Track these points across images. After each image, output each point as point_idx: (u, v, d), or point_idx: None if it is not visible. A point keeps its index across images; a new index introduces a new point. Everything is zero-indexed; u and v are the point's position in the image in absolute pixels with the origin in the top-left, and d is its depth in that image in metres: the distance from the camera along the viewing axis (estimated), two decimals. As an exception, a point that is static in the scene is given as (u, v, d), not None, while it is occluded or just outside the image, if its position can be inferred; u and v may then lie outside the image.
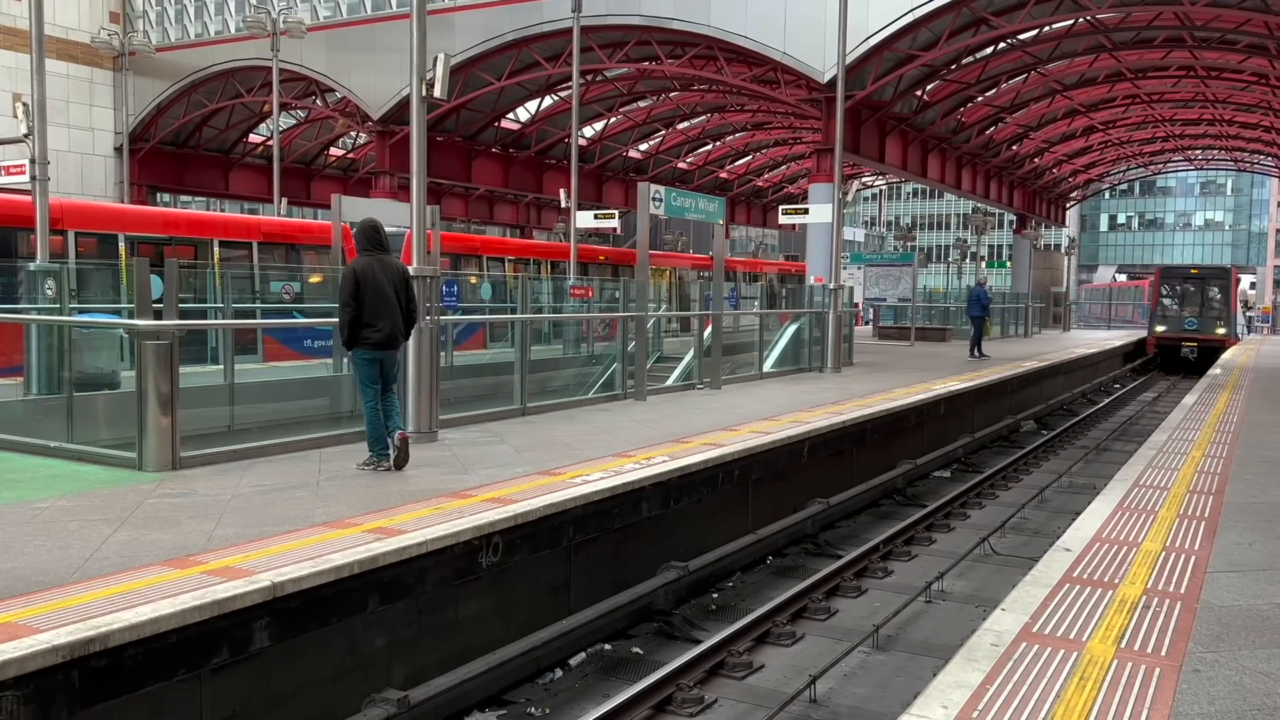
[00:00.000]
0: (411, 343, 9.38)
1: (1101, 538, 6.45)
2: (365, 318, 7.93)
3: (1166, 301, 34.01)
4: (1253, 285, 75.24)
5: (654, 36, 28.59)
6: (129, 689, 4.43)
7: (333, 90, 34.33)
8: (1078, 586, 5.40)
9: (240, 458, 8.37)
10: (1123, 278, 79.31)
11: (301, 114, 40.36)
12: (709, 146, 47.35)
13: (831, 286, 19.18)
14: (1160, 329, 33.82)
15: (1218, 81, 34.45)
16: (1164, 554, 6.08)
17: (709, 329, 15.47)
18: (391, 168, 33.08)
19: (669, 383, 15.43)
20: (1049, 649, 4.46)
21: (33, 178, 13.25)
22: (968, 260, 67.53)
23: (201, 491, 7.09)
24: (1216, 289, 33.66)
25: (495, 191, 43.47)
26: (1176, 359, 33.65)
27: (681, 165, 47.50)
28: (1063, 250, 58.97)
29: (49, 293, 12.17)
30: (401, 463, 8.01)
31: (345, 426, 9.67)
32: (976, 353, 23.59)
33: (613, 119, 40.91)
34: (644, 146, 45.35)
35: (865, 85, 26.54)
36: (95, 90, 37.63)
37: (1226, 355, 27.99)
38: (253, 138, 41.94)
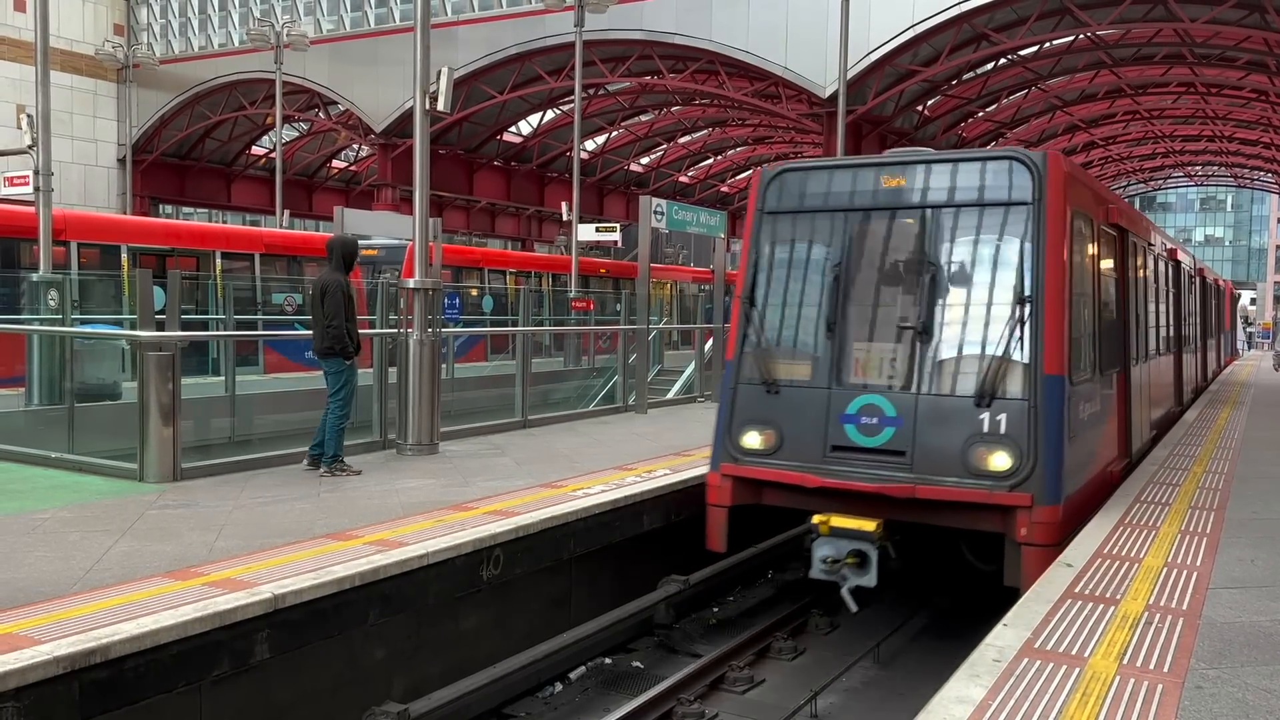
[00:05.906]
0: (412, 355, 9.41)
1: (1103, 553, 6.44)
2: (311, 326, 8.58)
3: (765, 340, 7.37)
4: (1253, 301, 74.92)
5: (656, 51, 28.72)
6: (129, 700, 4.42)
7: (335, 103, 34.48)
8: (1079, 602, 5.38)
9: (241, 469, 8.38)
10: None
11: (304, 126, 40.51)
12: (710, 160, 47.49)
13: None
14: (752, 441, 7.21)
15: (1217, 98, 34.57)
16: (1166, 570, 6.06)
17: (710, 342, 15.48)
18: (393, 180, 33.20)
19: (670, 395, 15.43)
20: (1051, 664, 4.45)
21: (36, 189, 13.31)
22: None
23: (202, 503, 7.09)
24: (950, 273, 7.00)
25: (497, 204, 43.61)
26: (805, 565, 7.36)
27: (683, 179, 47.63)
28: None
29: (51, 303, 12.19)
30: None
31: (348, 438, 9.67)
32: None
33: (614, 133, 41.05)
34: (645, 160, 45.49)
35: (866, 100, 26.64)
36: (99, 102, 37.79)
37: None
38: (255, 150, 42.08)
